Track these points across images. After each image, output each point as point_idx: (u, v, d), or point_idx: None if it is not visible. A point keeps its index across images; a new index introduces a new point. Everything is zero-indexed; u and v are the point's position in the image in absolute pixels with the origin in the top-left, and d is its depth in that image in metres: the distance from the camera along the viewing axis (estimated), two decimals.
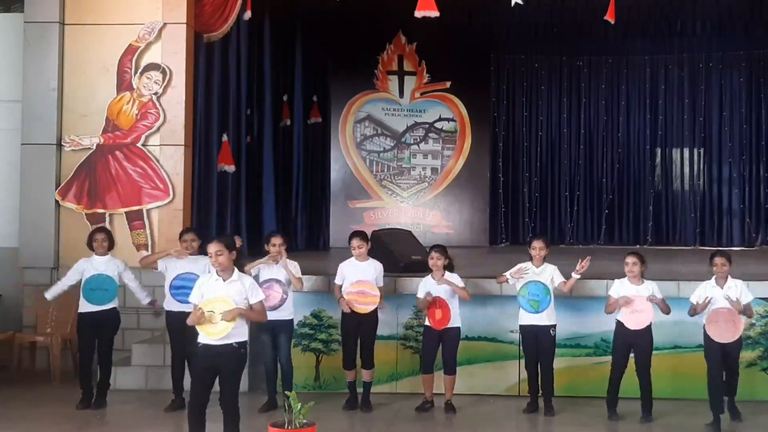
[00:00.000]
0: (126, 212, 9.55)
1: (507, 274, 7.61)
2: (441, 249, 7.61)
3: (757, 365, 8.05)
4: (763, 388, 8.03)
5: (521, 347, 7.68)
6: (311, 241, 13.36)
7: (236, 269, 5.91)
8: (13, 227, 9.76)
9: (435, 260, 7.52)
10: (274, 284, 7.51)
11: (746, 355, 8.00)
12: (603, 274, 8.82)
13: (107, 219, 9.50)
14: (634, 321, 7.20)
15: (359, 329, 7.60)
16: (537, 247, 7.62)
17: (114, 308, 7.69)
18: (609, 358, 7.58)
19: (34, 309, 9.24)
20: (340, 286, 7.64)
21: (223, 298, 5.75)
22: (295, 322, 8.35)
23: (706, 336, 7.14)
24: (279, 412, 6.77)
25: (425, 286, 7.55)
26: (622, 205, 16.10)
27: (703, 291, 7.22)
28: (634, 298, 7.20)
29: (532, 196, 16.21)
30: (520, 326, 7.57)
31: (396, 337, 8.31)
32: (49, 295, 7.89)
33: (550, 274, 7.57)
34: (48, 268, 9.44)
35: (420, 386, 7.78)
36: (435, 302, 7.43)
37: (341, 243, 13.07)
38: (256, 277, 7.36)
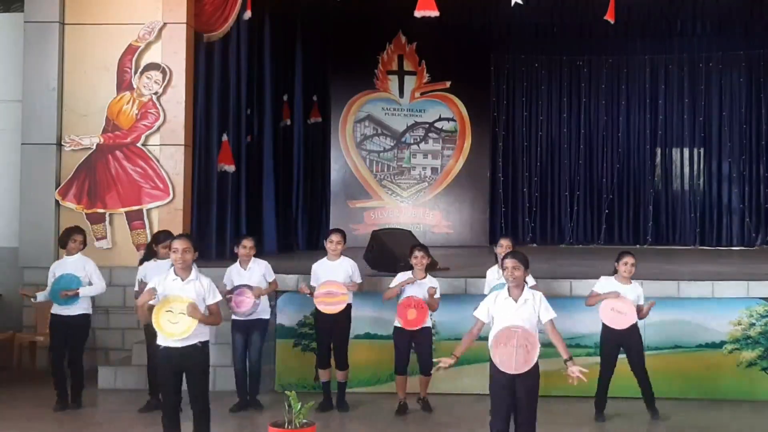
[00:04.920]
0: (126, 212, 9.55)
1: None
2: (425, 248, 7.57)
3: (757, 365, 8.05)
4: (763, 388, 8.03)
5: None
6: (311, 241, 13.35)
7: (194, 268, 5.78)
8: (13, 227, 9.78)
9: (420, 259, 7.41)
10: (245, 290, 7.42)
11: (746, 354, 8.03)
12: (602, 274, 8.82)
13: (107, 219, 9.51)
14: (614, 320, 7.13)
15: (333, 329, 7.55)
16: (504, 245, 7.34)
17: (84, 314, 7.52)
18: None
19: (34, 309, 9.24)
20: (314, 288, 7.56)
21: (180, 297, 5.59)
22: (295, 322, 8.37)
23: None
24: (278, 413, 6.75)
25: (400, 281, 7.44)
26: (622, 205, 16.10)
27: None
28: (621, 296, 7.11)
29: (532, 196, 16.21)
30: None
31: (393, 338, 8.28)
32: (40, 297, 7.66)
33: None
34: (47, 268, 9.35)
35: (419, 386, 7.77)
36: (410, 302, 7.32)
37: None
38: (239, 285, 7.38)
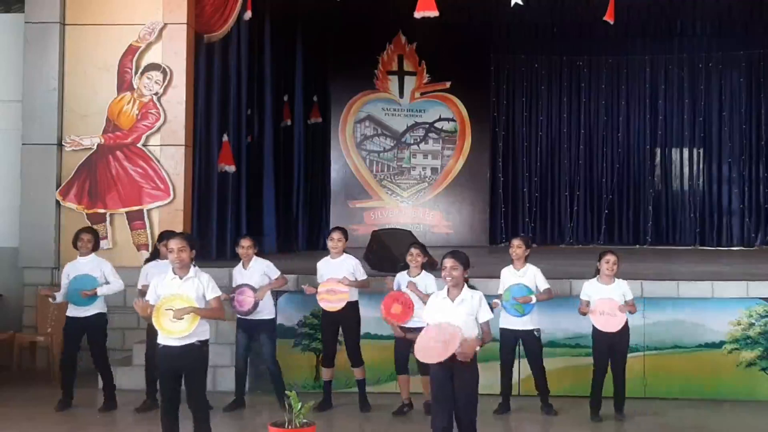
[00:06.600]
0: (126, 212, 9.56)
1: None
2: (422, 246, 7.55)
3: (756, 365, 8.05)
4: (763, 388, 8.03)
5: (500, 350, 7.48)
6: (311, 241, 13.37)
7: (193, 267, 5.80)
8: (13, 227, 9.77)
9: (415, 257, 7.38)
10: (246, 289, 7.44)
11: (746, 355, 8.03)
12: None
13: (108, 219, 9.52)
14: (604, 323, 7.07)
15: (338, 327, 7.56)
16: (515, 245, 7.43)
17: (99, 313, 7.52)
18: None
19: (34, 309, 9.24)
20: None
21: (180, 295, 5.63)
22: (295, 322, 8.37)
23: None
24: (277, 413, 6.75)
25: (399, 281, 7.44)
26: (622, 205, 16.10)
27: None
28: (602, 303, 7.06)
29: (532, 196, 16.22)
30: (501, 329, 7.35)
31: (395, 337, 8.28)
32: (59, 298, 7.64)
33: (532, 276, 7.38)
34: (48, 268, 9.45)
35: (420, 385, 7.77)
36: (398, 296, 7.27)
37: None
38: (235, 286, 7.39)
